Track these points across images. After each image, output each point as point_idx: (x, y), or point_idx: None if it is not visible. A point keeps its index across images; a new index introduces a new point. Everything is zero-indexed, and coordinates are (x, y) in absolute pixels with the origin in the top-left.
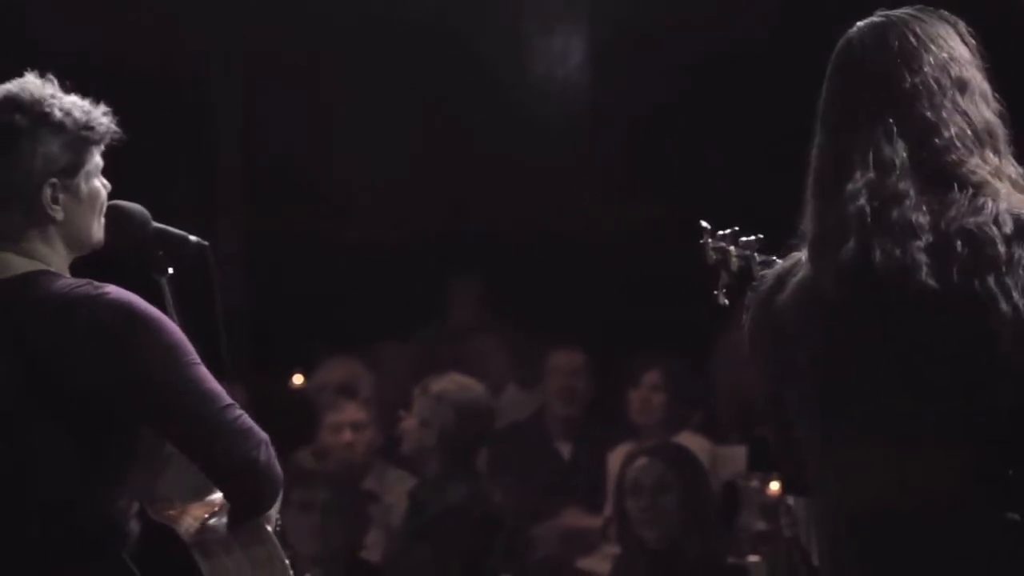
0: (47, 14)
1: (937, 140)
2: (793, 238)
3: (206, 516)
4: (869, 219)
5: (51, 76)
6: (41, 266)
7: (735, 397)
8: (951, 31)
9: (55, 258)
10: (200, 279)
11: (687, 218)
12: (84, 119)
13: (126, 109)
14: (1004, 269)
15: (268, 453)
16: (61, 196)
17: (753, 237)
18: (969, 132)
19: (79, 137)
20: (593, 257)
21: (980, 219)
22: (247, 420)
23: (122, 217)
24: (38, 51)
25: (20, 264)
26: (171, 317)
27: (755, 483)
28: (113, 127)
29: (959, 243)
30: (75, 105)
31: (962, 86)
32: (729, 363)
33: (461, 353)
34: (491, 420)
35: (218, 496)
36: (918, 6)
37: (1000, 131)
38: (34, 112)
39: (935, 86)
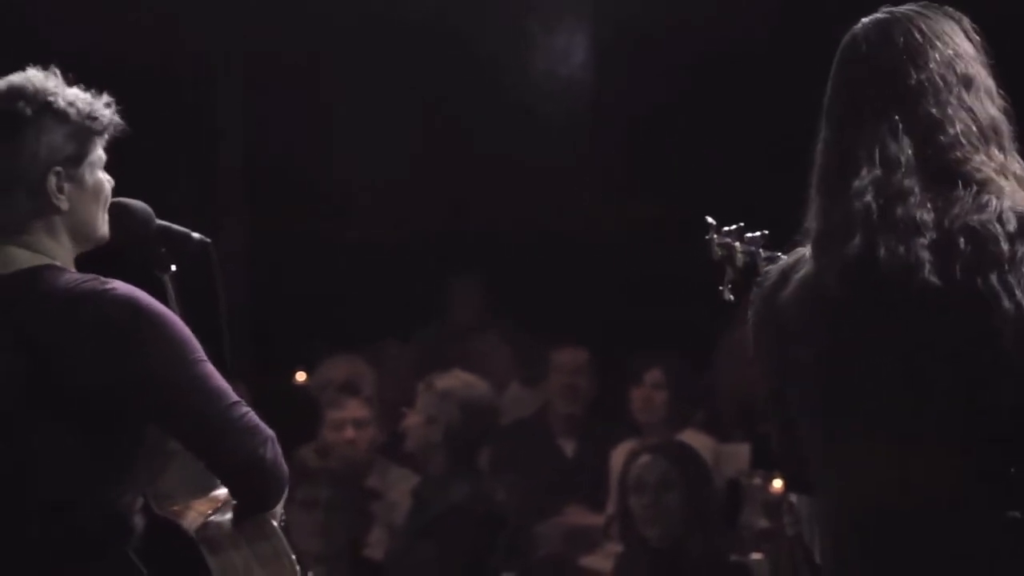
0: (48, 14)
1: (942, 137)
2: (794, 237)
3: (210, 512)
4: (875, 216)
5: (54, 68)
6: (46, 260)
7: (738, 395)
8: (956, 27)
9: (60, 251)
10: (203, 276)
11: (687, 218)
12: (87, 109)
13: (127, 109)
14: (1007, 267)
15: (275, 450)
16: (66, 185)
17: (758, 233)
18: (974, 128)
19: (83, 127)
20: (593, 257)
21: (984, 216)
22: (253, 417)
23: (125, 214)
24: (39, 51)
25: (25, 258)
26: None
27: (758, 481)
28: (116, 119)
29: (962, 240)
30: (78, 96)
31: (967, 82)
32: (732, 361)
33: (463, 351)
34: (495, 417)
35: (222, 492)
36: (922, 2)
37: (1005, 127)
38: (38, 101)
39: (941, 83)
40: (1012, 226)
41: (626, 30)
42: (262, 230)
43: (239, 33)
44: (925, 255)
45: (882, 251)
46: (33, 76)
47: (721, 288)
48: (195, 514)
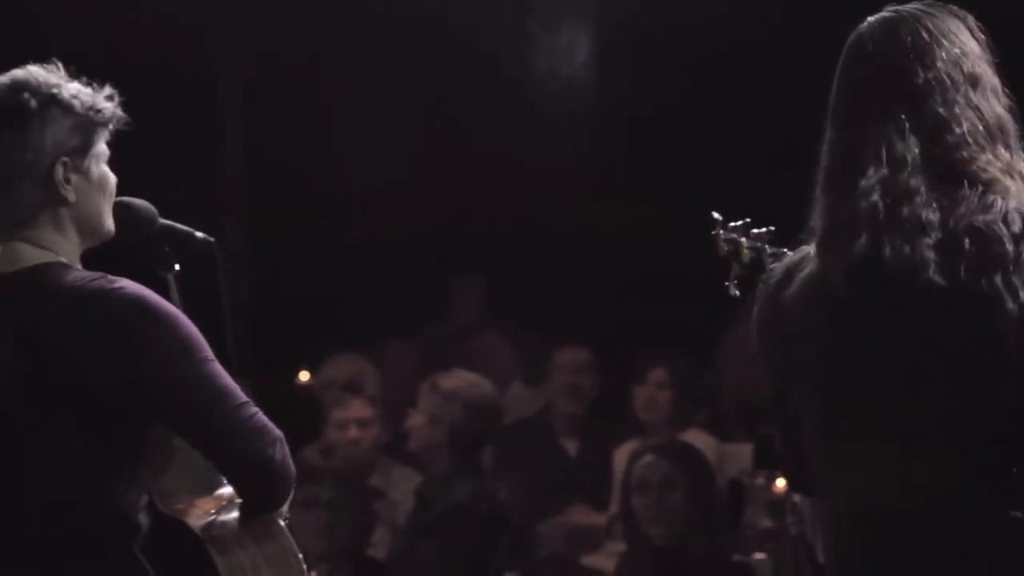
0: (48, 14)
1: (949, 136)
2: (796, 237)
3: (213, 510)
4: (881, 215)
5: (56, 62)
6: (53, 257)
7: (741, 394)
8: (961, 25)
9: (67, 246)
10: (206, 276)
11: (687, 218)
12: (91, 101)
13: (127, 110)
14: (1011, 268)
15: (283, 451)
16: (72, 177)
17: (764, 229)
18: (981, 128)
19: (87, 119)
20: (595, 256)
21: (989, 217)
22: (262, 418)
23: (128, 213)
24: (39, 51)
25: (32, 255)
26: None
27: (761, 480)
28: (118, 111)
29: (967, 241)
30: (81, 89)
31: (974, 81)
32: (734, 360)
33: (466, 351)
34: (499, 417)
35: (225, 490)
36: (927, 1)
37: (1011, 126)
38: (42, 93)
39: (948, 81)
40: (1017, 227)
41: (625, 31)
42: (263, 230)
43: (239, 33)
44: (930, 255)
45: (888, 251)
46: (35, 70)
47: (727, 284)
48: (199, 512)
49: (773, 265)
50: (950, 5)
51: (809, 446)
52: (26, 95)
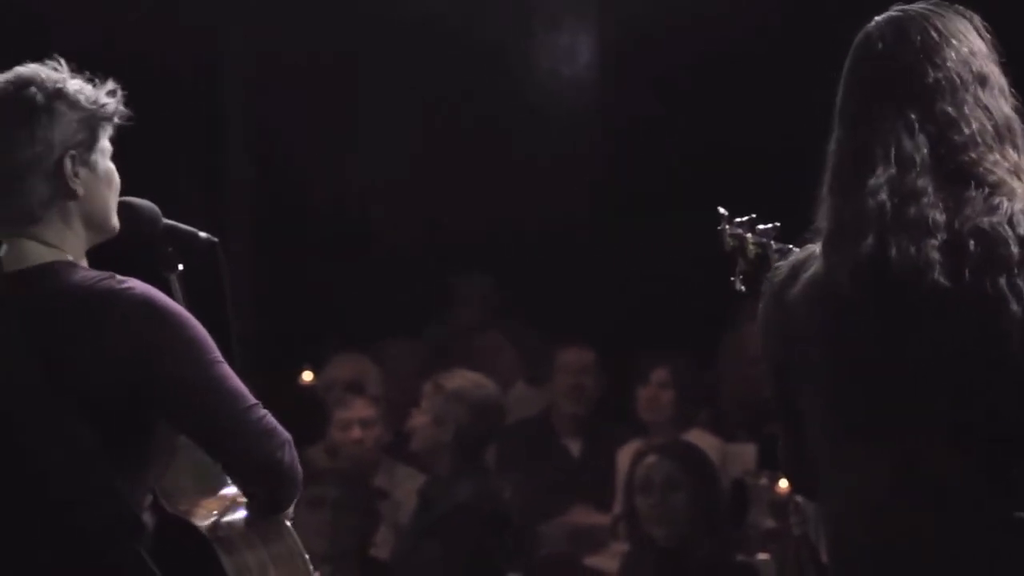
0: (49, 14)
1: (957, 137)
2: (795, 236)
3: (218, 511)
4: (888, 215)
5: (58, 58)
6: (60, 256)
7: (744, 395)
8: (968, 25)
9: (75, 241)
10: (210, 275)
11: (688, 218)
12: (95, 96)
13: (130, 109)
14: (1016, 270)
15: (292, 454)
16: (80, 170)
17: (770, 225)
18: (990, 128)
19: (93, 114)
20: (596, 256)
21: (994, 219)
22: (271, 420)
23: (132, 213)
24: (39, 51)
25: (39, 253)
26: None
27: (764, 481)
28: (121, 106)
29: (972, 242)
30: (84, 85)
31: (983, 81)
32: (738, 360)
33: (469, 350)
34: (503, 417)
35: (230, 490)
36: (933, 0)
37: (1018, 126)
38: (48, 88)
39: (958, 81)
40: (1022, 229)
41: (627, 30)
42: (266, 230)
43: (240, 33)
44: (935, 256)
45: (894, 251)
46: (39, 67)
47: (732, 279)
48: (204, 512)
49: (778, 263)
50: (956, 5)
51: (812, 446)
52: (32, 90)
